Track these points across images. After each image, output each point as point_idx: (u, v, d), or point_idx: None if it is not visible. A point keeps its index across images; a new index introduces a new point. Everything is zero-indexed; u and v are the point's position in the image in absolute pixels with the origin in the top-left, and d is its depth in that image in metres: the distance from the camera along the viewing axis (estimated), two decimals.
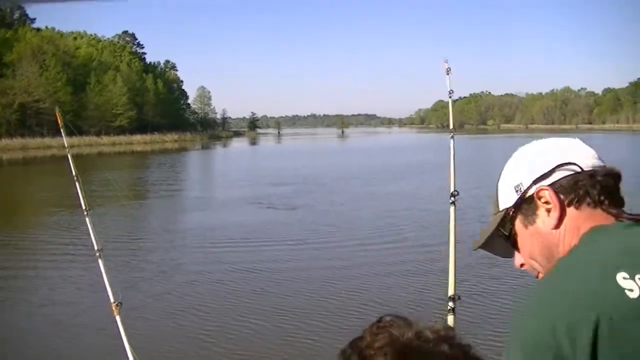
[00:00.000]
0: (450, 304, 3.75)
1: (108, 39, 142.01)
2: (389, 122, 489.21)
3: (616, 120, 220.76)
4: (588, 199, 1.69)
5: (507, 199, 1.80)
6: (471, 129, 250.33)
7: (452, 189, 4.23)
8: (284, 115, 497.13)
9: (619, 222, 1.64)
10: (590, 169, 1.72)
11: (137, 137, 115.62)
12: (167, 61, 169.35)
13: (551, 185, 1.71)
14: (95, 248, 4.96)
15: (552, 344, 1.44)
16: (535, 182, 1.73)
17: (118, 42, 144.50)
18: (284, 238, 18.55)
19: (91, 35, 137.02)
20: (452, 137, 4.64)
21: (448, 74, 5.11)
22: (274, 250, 16.68)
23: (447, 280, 3.84)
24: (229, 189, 32.99)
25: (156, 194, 33.04)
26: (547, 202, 1.71)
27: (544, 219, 1.71)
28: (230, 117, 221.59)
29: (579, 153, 1.75)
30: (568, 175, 1.71)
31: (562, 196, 1.70)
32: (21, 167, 62.17)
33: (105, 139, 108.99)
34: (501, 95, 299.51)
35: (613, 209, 1.67)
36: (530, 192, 1.74)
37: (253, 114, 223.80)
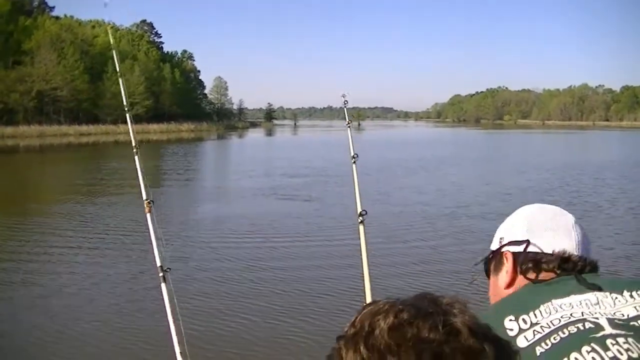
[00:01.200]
0: None
1: (126, 28, 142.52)
2: (406, 115, 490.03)
3: (634, 118, 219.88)
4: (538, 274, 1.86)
5: (494, 243, 2.02)
6: (487, 123, 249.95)
7: (359, 210, 4.19)
8: (300, 107, 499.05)
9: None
10: (557, 252, 1.87)
11: (154, 126, 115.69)
12: (185, 51, 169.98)
13: (515, 253, 1.92)
14: (146, 198, 4.96)
15: None
16: (509, 243, 1.94)
17: (136, 31, 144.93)
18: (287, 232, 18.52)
19: (109, 23, 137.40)
20: (354, 162, 4.62)
21: (345, 106, 5.17)
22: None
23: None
24: (242, 180, 33.01)
25: (171, 184, 33.08)
26: (507, 264, 1.93)
27: (502, 276, 1.94)
28: (246, 108, 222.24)
29: (558, 235, 1.91)
30: (534, 252, 1.89)
31: (520, 266, 1.89)
32: (38, 154, 62.31)
33: (121, 128, 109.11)
34: (518, 91, 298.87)
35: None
36: (503, 249, 1.96)
37: (270, 104, 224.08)
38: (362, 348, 0.94)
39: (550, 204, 2.06)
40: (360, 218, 4.13)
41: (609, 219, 20.21)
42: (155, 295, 11.28)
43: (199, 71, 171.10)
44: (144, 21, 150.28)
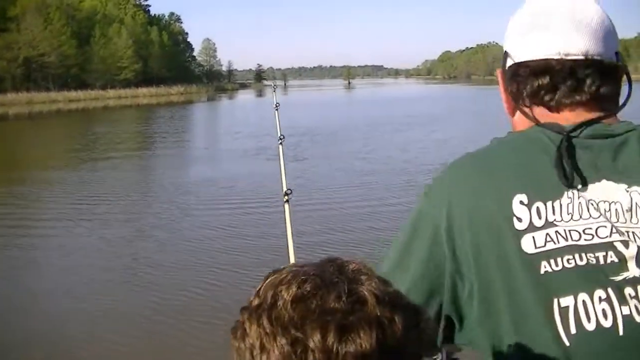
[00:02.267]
0: None
1: None
2: (396, 73, 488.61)
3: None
4: (523, 97, 1.57)
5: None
6: (478, 79, 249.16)
7: (284, 189, 4.17)
8: (290, 67, 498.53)
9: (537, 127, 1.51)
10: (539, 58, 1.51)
11: (143, 90, 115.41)
12: (172, 13, 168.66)
13: (503, 69, 1.63)
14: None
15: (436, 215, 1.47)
16: (505, 54, 1.63)
17: None
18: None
19: None
20: (280, 143, 4.70)
21: (277, 110, 5.28)
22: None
23: None
24: (232, 141, 33.02)
25: (163, 146, 33.21)
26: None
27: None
28: (236, 69, 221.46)
29: (549, 29, 1.51)
30: (515, 64, 1.58)
31: (508, 90, 1.62)
32: (27, 121, 62.10)
33: (110, 93, 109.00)
34: None
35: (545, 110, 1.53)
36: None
37: (259, 65, 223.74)
38: (265, 322, 0.91)
39: None
40: (286, 197, 4.11)
41: None
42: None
43: (187, 33, 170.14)
44: None
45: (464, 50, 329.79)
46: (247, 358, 0.92)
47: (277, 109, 5.15)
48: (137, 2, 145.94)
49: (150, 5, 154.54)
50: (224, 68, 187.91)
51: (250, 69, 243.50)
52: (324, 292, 0.91)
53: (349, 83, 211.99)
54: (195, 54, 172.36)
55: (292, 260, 3.56)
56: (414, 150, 26.81)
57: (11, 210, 16.42)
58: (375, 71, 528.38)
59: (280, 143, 4.76)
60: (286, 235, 3.81)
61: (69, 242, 13.01)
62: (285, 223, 3.88)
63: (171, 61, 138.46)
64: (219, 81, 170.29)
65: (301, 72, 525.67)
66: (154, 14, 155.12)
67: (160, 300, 9.42)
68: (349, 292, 0.91)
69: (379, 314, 0.90)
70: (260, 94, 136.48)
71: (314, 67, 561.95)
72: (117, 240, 13.12)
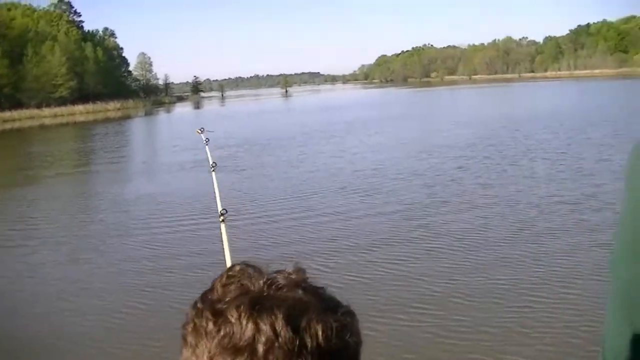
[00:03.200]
0: None
1: (43, 8, 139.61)
2: (333, 79, 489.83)
3: (558, 68, 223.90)
4: None
5: None
6: (415, 82, 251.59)
7: (220, 209, 4.48)
8: (227, 78, 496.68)
9: None
10: None
11: (79, 107, 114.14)
12: (106, 29, 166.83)
13: None
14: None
15: None
16: None
17: (54, 11, 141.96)
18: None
19: (26, 5, 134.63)
20: (213, 170, 5.16)
21: (207, 144, 5.69)
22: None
23: None
24: (170, 155, 33.00)
25: (99, 163, 33.09)
26: None
27: None
28: (172, 83, 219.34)
29: None
30: None
31: None
32: None
33: (46, 111, 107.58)
34: (443, 48, 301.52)
35: None
36: None
37: (196, 77, 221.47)
38: (198, 303, 0.99)
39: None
40: (222, 217, 4.39)
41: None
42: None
43: (121, 48, 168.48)
44: (61, 1, 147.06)
45: (399, 53, 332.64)
46: (185, 341, 1.00)
47: (207, 144, 5.57)
48: (70, 19, 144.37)
49: (83, 21, 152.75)
50: (161, 82, 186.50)
51: (187, 82, 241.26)
52: (246, 278, 1.01)
53: (287, 91, 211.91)
54: (131, 68, 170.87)
55: None
56: (348, 156, 27.27)
57: None
58: (312, 78, 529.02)
59: (213, 170, 5.19)
60: (223, 253, 4.08)
61: None
62: (222, 243, 4.14)
63: (107, 77, 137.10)
64: (156, 95, 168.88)
65: (238, 83, 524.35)
66: (88, 30, 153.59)
67: (85, 329, 9.32)
68: (268, 278, 1.01)
69: (295, 296, 0.97)
70: (197, 106, 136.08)
71: (251, 76, 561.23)
72: (48, 265, 12.90)
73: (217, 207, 4.55)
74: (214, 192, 4.86)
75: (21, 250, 14.10)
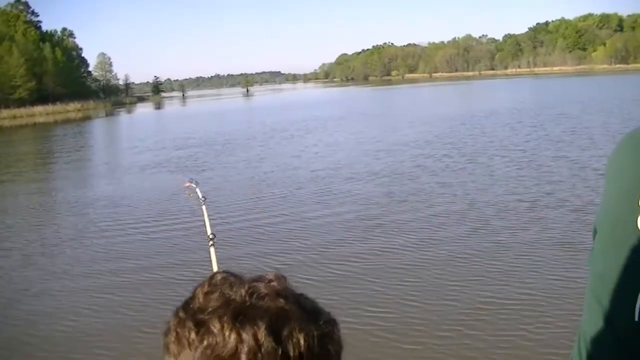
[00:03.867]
0: None
1: (0, 8, 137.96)
2: (294, 78, 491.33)
3: (517, 66, 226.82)
4: None
5: None
6: (375, 80, 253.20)
7: (209, 232, 4.56)
8: (187, 78, 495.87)
9: None
10: None
11: (39, 109, 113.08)
12: (64, 29, 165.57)
13: None
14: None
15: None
16: None
17: (11, 11, 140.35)
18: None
19: None
20: (203, 203, 5.24)
21: (197, 187, 5.72)
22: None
23: None
24: (129, 157, 32.73)
25: (58, 166, 32.72)
26: None
27: None
28: (133, 83, 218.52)
29: None
30: None
31: None
32: None
33: (4, 113, 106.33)
34: (404, 46, 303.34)
35: None
36: None
37: (156, 78, 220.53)
38: (180, 313, 1.00)
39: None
40: (211, 242, 4.44)
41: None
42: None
43: (81, 49, 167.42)
44: (18, 1, 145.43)
45: (360, 52, 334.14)
46: (167, 350, 1.01)
47: (204, 203, 5.58)
48: (28, 19, 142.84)
49: (41, 22, 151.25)
50: (121, 82, 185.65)
51: (148, 82, 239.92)
52: (227, 287, 1.01)
53: (248, 91, 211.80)
54: (90, 69, 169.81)
55: None
56: (306, 155, 27.23)
57: None
58: (273, 77, 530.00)
59: (204, 204, 5.20)
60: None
61: None
62: (212, 265, 4.14)
63: (66, 77, 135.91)
64: (116, 95, 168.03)
65: (199, 83, 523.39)
66: (46, 30, 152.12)
67: (33, 337, 9.07)
68: (249, 287, 1.01)
69: (277, 306, 0.98)
70: (158, 106, 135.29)
71: (212, 76, 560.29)
72: None
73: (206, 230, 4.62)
74: (204, 219, 4.89)
75: None
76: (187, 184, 6.02)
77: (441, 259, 10.85)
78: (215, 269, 4.00)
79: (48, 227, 16.55)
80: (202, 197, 5.44)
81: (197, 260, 10.59)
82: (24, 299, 10.59)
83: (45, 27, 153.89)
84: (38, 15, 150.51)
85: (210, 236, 4.51)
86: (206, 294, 1.01)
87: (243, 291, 1.00)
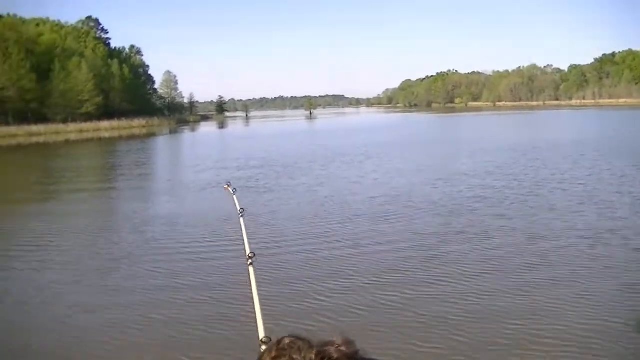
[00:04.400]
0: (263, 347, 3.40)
1: (71, 25, 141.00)
2: (357, 102, 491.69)
3: (582, 97, 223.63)
4: None
5: None
6: (439, 107, 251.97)
7: (248, 252, 4.44)
8: (251, 98, 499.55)
9: None
10: None
11: (105, 124, 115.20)
12: (132, 46, 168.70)
13: None
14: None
15: None
16: None
17: (82, 27, 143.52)
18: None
19: (54, 21, 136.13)
20: (241, 216, 5.21)
21: (234, 194, 5.72)
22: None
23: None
24: (190, 175, 32.96)
25: (123, 180, 33.16)
26: None
27: None
28: (197, 101, 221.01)
29: None
30: None
31: None
32: None
33: (71, 126, 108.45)
34: (468, 74, 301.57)
35: None
36: None
37: (220, 97, 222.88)
38: None
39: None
40: (250, 260, 4.35)
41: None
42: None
43: (147, 66, 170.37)
44: (89, 17, 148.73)
45: (424, 78, 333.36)
46: None
47: (241, 216, 5.62)
48: (98, 36, 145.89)
49: (110, 39, 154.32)
50: (186, 100, 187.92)
51: (212, 101, 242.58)
52: (296, 351, 0.99)
53: (311, 113, 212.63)
54: (156, 86, 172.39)
55: (259, 318, 3.69)
56: (366, 182, 27.09)
57: None
58: (336, 101, 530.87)
59: (241, 216, 5.19)
60: (251, 296, 3.94)
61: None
62: (251, 285, 4.05)
63: (132, 94, 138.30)
64: (180, 113, 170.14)
65: (263, 103, 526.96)
66: (115, 47, 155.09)
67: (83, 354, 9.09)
68: (319, 352, 0.99)
69: None
70: (222, 125, 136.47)
71: (276, 97, 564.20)
72: (51, 287, 12.54)
73: (245, 250, 4.55)
74: (242, 236, 4.85)
75: (31, 267, 13.93)
76: (226, 187, 6.29)
77: (496, 294, 10.60)
78: (254, 289, 4.00)
79: (106, 243, 16.55)
80: (241, 208, 5.46)
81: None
82: (74, 315, 10.63)
83: (114, 44, 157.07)
84: (107, 32, 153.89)
85: (250, 254, 4.43)
86: (274, 357, 0.98)
87: (312, 356, 0.96)
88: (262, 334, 3.58)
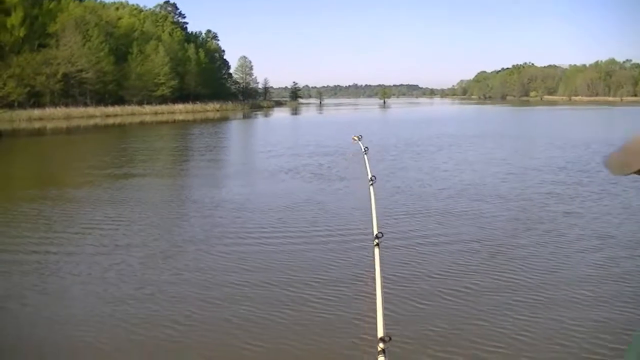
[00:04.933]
0: (381, 344, 3.46)
1: (150, 9, 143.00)
2: (431, 92, 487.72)
3: None
4: None
5: None
6: (513, 100, 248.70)
7: (375, 232, 4.26)
8: (325, 85, 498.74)
9: None
10: None
11: (179, 107, 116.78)
12: (209, 31, 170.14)
13: None
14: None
15: None
16: None
17: (160, 12, 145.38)
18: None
19: (133, 5, 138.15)
20: (371, 184, 4.99)
21: (366, 154, 5.62)
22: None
23: (376, 320, 3.65)
24: (262, 160, 33.04)
25: (194, 164, 33.50)
26: None
27: None
28: (272, 87, 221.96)
29: None
30: None
31: None
32: (65, 135, 62.85)
33: (147, 108, 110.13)
34: (544, 67, 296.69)
35: None
36: None
37: (295, 83, 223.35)
38: None
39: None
40: (377, 240, 4.17)
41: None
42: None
43: (223, 51, 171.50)
44: (167, 2, 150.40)
45: (499, 70, 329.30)
46: None
47: (366, 153, 5.52)
48: (175, 20, 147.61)
49: (187, 23, 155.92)
50: (260, 85, 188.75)
51: (286, 87, 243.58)
52: None
53: (384, 102, 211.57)
54: (231, 71, 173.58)
55: (379, 296, 3.59)
56: (436, 174, 26.77)
57: (35, 230, 16.02)
58: (410, 90, 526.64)
59: (372, 184, 5.03)
60: (374, 278, 3.84)
61: (83, 267, 12.62)
62: (375, 268, 3.90)
63: (207, 78, 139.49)
64: (254, 99, 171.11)
65: (336, 91, 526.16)
66: (191, 32, 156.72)
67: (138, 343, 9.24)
68: None
69: None
70: (295, 112, 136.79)
71: (349, 85, 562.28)
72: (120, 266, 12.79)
73: (372, 228, 4.39)
74: (371, 210, 4.69)
75: (98, 251, 13.87)
76: (354, 139, 6.21)
77: (560, 298, 10.13)
78: (377, 270, 3.85)
79: (174, 226, 16.55)
80: (372, 176, 5.40)
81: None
82: (136, 297, 10.55)
83: (190, 28, 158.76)
84: (185, 17, 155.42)
85: (378, 235, 4.25)
86: None
87: None
88: (381, 332, 3.48)
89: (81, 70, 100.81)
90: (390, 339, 3.49)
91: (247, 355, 8.15)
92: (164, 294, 10.64)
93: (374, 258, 4.00)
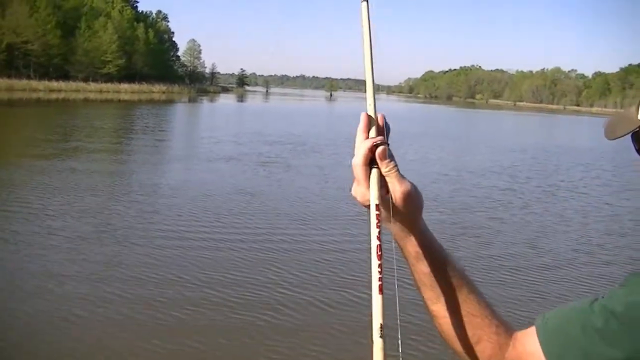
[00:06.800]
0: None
1: None
2: (378, 88, 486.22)
3: (604, 105, 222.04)
4: None
5: None
6: (459, 101, 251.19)
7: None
8: (273, 74, 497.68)
9: None
10: None
11: (125, 86, 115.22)
12: (159, 11, 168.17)
13: None
14: None
15: None
16: None
17: None
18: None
19: None
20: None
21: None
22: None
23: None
24: (204, 146, 33.13)
25: (136, 145, 33.36)
26: None
27: None
28: (219, 73, 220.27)
29: None
30: None
31: None
32: (6, 108, 61.75)
33: (92, 86, 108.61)
34: (491, 71, 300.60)
35: None
36: None
37: (242, 70, 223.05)
38: None
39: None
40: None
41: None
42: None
43: (172, 33, 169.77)
44: None
45: (446, 71, 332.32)
46: None
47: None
48: None
49: (138, 2, 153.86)
50: (207, 70, 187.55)
51: (233, 73, 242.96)
52: None
53: (331, 95, 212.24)
54: (179, 53, 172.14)
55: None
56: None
57: None
58: (357, 85, 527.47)
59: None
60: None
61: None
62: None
63: (155, 59, 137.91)
64: (201, 83, 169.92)
65: (283, 81, 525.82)
66: (142, 11, 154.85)
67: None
68: None
69: None
70: (241, 99, 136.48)
71: (297, 76, 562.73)
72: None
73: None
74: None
75: (35, 224, 13.97)
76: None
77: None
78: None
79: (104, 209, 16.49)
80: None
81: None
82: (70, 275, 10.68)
83: (141, 7, 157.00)
84: None
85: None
86: None
87: None
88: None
89: (27, 42, 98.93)
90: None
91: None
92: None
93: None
